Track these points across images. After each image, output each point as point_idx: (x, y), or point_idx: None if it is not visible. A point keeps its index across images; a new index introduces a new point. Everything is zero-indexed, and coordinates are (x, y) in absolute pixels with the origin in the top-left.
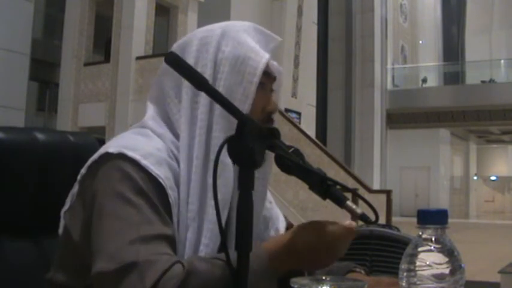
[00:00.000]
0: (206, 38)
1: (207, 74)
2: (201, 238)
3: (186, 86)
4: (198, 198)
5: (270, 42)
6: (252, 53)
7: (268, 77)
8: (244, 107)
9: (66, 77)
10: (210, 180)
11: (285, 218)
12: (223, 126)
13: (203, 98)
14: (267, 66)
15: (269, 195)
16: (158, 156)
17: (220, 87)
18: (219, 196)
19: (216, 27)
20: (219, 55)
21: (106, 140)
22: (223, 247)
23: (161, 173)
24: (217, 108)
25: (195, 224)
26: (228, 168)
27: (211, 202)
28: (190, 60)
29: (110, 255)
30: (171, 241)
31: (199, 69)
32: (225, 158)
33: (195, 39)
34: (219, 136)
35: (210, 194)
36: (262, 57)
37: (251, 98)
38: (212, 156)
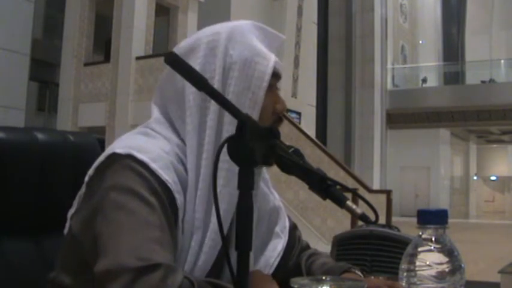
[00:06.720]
0: (213, 42)
1: (216, 79)
2: (202, 246)
3: (193, 92)
4: (204, 207)
5: (274, 41)
6: (259, 56)
7: (275, 77)
8: (254, 113)
9: (66, 77)
10: (218, 189)
11: (289, 218)
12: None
13: (212, 105)
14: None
15: (277, 195)
16: (166, 160)
17: (230, 94)
18: (224, 205)
19: (222, 30)
20: (227, 60)
21: (106, 140)
22: (226, 257)
23: (169, 177)
24: (227, 116)
25: (200, 233)
26: (236, 177)
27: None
28: (196, 66)
29: (129, 251)
30: (174, 251)
31: (207, 75)
32: (234, 167)
33: (202, 44)
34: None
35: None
36: (269, 60)
37: (260, 103)
38: (221, 165)
